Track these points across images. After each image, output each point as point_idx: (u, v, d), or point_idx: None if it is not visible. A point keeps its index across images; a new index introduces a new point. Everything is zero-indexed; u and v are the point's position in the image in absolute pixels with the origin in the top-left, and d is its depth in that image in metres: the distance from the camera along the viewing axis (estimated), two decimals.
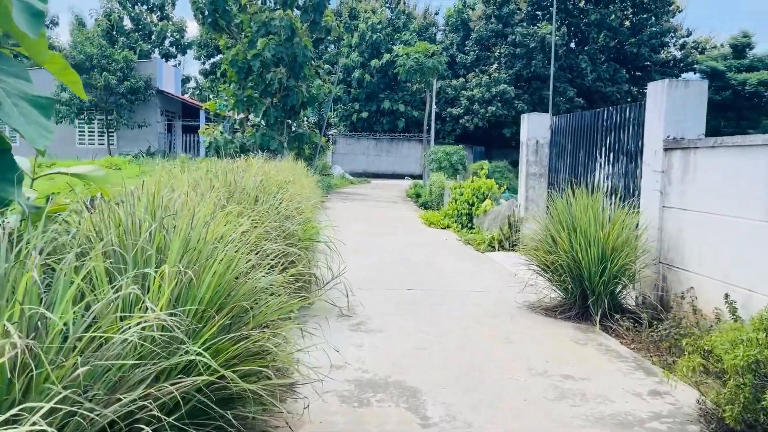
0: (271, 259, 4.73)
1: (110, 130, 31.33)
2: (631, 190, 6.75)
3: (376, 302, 6.25)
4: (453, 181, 16.71)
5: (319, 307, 5.80)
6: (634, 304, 5.94)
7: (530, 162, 10.01)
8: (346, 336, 5.05)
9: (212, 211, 3.50)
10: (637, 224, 5.93)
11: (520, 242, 10.04)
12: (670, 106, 5.72)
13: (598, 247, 5.56)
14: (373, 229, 12.20)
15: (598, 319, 5.48)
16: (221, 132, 21.98)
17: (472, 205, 12.84)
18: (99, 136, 32.32)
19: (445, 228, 13.05)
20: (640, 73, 44.14)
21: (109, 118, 30.66)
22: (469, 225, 12.77)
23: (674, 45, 45.55)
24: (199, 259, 2.90)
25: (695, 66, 43.70)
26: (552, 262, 5.88)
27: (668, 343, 4.67)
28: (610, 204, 6.46)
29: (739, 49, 42.40)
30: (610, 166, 7.70)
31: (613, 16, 40.84)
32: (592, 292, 5.65)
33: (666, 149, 5.75)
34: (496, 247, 10.11)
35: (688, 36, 45.42)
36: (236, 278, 3.03)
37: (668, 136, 5.73)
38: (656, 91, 5.94)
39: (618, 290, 5.71)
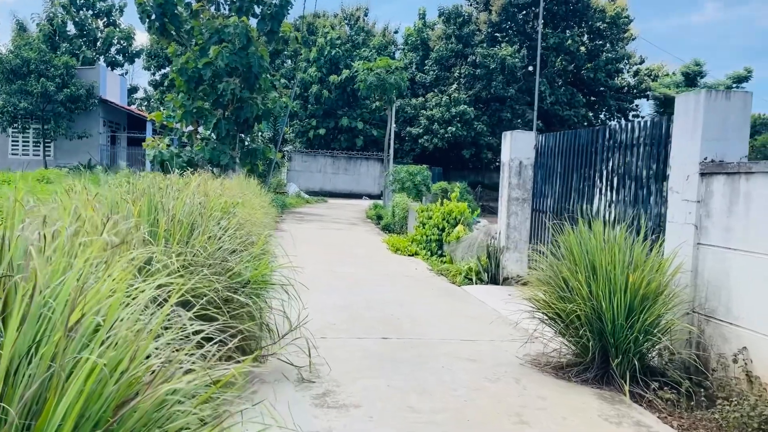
0: (204, 312, 3.48)
1: (47, 140, 29.12)
2: (645, 222, 5.72)
3: (344, 358, 4.98)
4: (419, 203, 15.61)
5: (273, 368, 4.50)
6: (661, 361, 4.85)
7: (512, 185, 8.96)
8: (309, 418, 3.76)
9: (105, 257, 2.20)
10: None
11: (502, 275, 8.99)
12: (709, 122, 4.70)
13: (625, 295, 4.46)
14: (333, 258, 10.92)
15: (627, 387, 4.35)
16: (167, 145, 20.33)
17: (443, 230, 11.72)
18: (34, 146, 30.00)
19: (412, 255, 11.88)
20: (595, 98, 44.48)
21: (45, 127, 28.47)
22: (439, 252, 11.64)
23: (628, 72, 46.18)
24: (60, 359, 1.61)
25: (648, 92, 44.34)
26: (564, 310, 4.74)
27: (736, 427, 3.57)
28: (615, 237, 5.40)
29: (691, 77, 43.15)
30: (613, 192, 6.68)
31: (571, 41, 41.01)
32: (616, 350, 4.53)
33: (703, 174, 4.72)
34: (474, 280, 8.98)
35: (641, 63, 46.12)
36: (133, 387, 1.75)
37: (706, 158, 4.71)
38: (688, 105, 4.92)
39: (647, 347, 4.61)
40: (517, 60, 38.44)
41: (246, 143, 22.19)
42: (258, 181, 19.10)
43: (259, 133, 25.94)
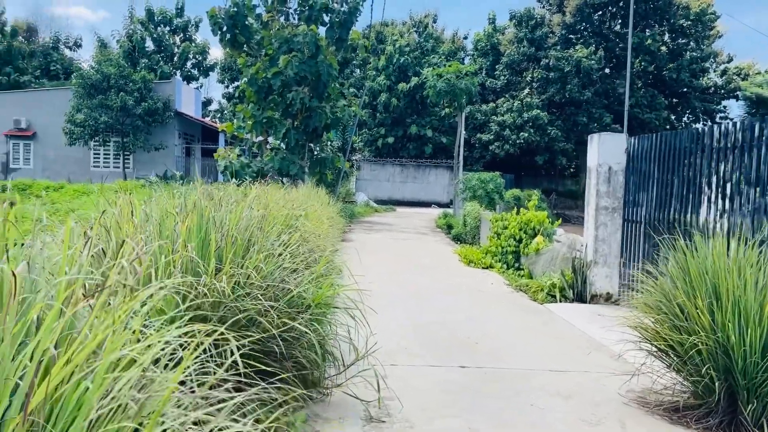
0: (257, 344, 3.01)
1: (126, 152, 30.14)
2: None
3: (417, 391, 4.39)
4: (492, 212, 14.85)
5: (337, 402, 3.97)
6: None
7: (600, 193, 8.13)
8: None
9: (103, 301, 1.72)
10: None
11: (589, 292, 8.16)
12: None
13: (760, 327, 3.66)
14: (403, 270, 10.37)
15: None
16: (238, 155, 20.44)
17: (520, 241, 10.95)
18: (114, 158, 31.15)
19: (487, 267, 11.16)
20: (677, 100, 42.05)
21: (124, 140, 29.48)
22: (516, 265, 10.87)
23: (715, 71, 43.44)
24: None
25: (738, 93, 41.50)
26: (680, 342, 3.97)
27: None
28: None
29: None
30: (725, 200, 5.80)
31: (651, 40, 38.97)
32: (747, 393, 3.73)
33: None
34: (557, 297, 8.19)
35: (729, 62, 43.31)
36: None
37: None
38: None
39: None
40: (593, 62, 36.87)
41: (315, 153, 22.06)
42: (326, 190, 18.89)
43: (328, 143, 25.81)
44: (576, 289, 8.21)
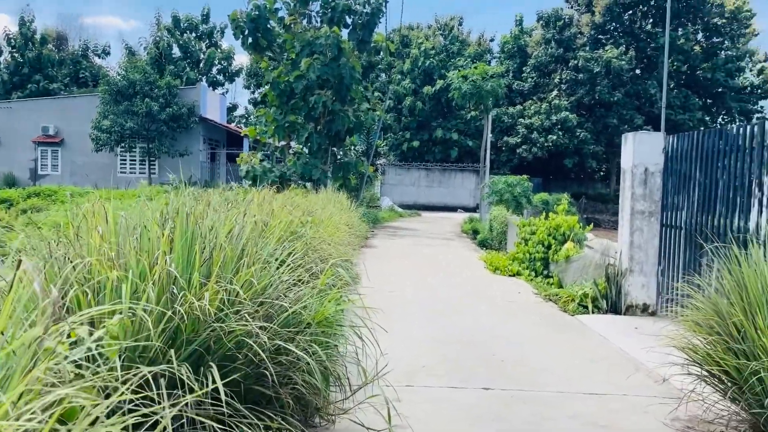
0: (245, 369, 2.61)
1: (151, 158, 30.26)
2: None
3: (434, 417, 3.94)
4: (519, 217, 14.30)
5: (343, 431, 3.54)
6: None
7: (636, 196, 7.56)
8: None
9: None
10: None
11: (624, 303, 7.60)
12: None
13: None
14: (425, 278, 9.90)
15: None
16: (260, 160, 20.21)
17: (549, 247, 10.40)
18: (140, 164, 31.30)
19: (514, 275, 10.63)
20: (712, 100, 40.75)
21: (150, 146, 29.59)
22: (545, 272, 10.32)
23: (751, 70, 42.02)
24: None
25: None
26: (737, 368, 3.45)
27: None
28: None
29: None
30: None
31: (684, 39, 37.85)
32: None
33: None
34: (590, 308, 7.64)
35: (766, 61, 41.84)
36: None
37: None
38: None
39: None
40: (623, 62, 35.92)
41: (338, 157, 21.75)
42: (349, 195, 18.51)
43: (352, 147, 25.49)
44: (610, 300, 7.65)
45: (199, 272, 3.04)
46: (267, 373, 2.92)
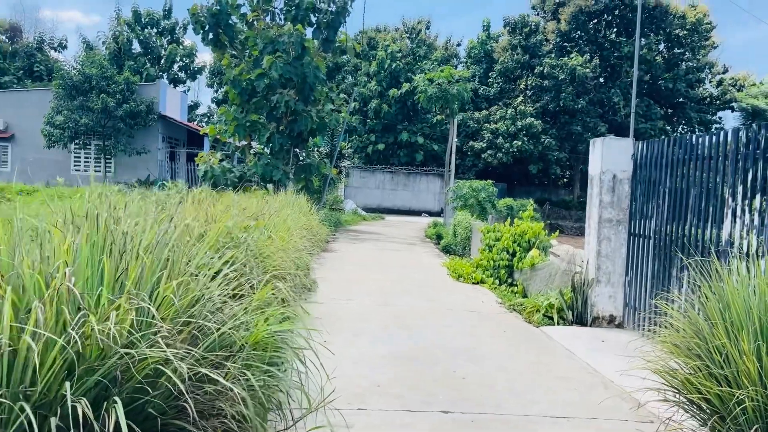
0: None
1: (107, 156, 29.17)
2: None
3: None
4: (483, 223, 14.03)
5: None
6: None
7: (604, 203, 7.31)
8: None
9: None
10: None
11: (591, 314, 7.33)
12: None
13: None
14: (386, 286, 9.50)
15: None
16: (219, 160, 19.54)
17: (513, 255, 10.12)
18: (95, 162, 30.15)
19: (477, 283, 10.32)
20: (673, 110, 41.48)
21: (105, 143, 28.51)
22: (509, 280, 10.03)
23: (710, 82, 42.95)
24: None
25: (733, 104, 40.99)
26: (720, 395, 3.13)
27: None
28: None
29: None
30: (756, 214, 4.99)
31: (646, 49, 38.43)
32: None
33: None
34: (555, 319, 7.35)
35: (724, 72, 42.80)
36: None
37: None
38: None
39: None
40: (588, 70, 36.26)
41: (300, 158, 21.21)
42: (311, 197, 17.99)
43: (315, 148, 24.97)
44: (576, 310, 7.37)
45: (112, 288, 2.58)
46: (186, 404, 2.48)
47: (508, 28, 39.79)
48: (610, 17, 39.18)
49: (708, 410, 3.28)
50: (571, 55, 37.23)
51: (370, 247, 15.43)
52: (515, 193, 37.66)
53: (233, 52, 20.03)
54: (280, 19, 20.17)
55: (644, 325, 6.27)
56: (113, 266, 2.52)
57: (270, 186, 19.15)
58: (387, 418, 3.99)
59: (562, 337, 6.60)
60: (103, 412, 2.26)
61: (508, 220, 11.11)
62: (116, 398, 2.22)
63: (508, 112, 37.44)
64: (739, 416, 3.07)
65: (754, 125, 5.03)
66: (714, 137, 5.71)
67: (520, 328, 7.03)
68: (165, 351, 2.33)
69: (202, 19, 18.92)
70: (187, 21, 39.86)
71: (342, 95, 36.37)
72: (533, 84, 38.08)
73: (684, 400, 3.40)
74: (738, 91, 41.36)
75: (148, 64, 37.75)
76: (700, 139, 5.92)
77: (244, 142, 20.31)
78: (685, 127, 41.95)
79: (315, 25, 19.86)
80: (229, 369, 2.69)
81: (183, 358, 2.45)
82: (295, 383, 3.23)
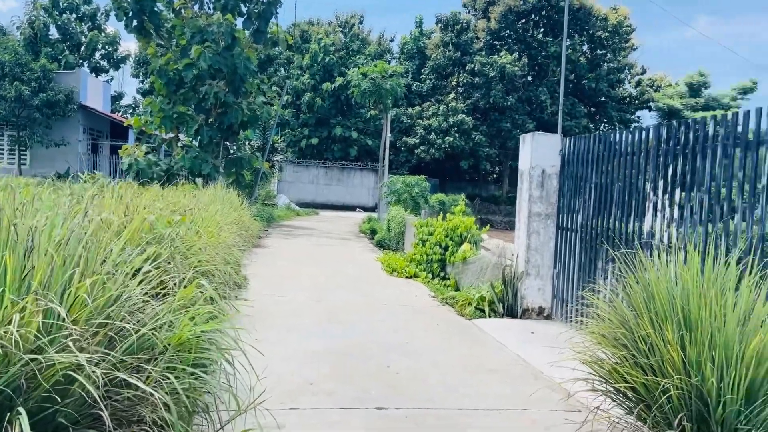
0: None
1: (22, 147, 27.50)
2: (727, 246, 4.24)
3: None
4: (417, 218, 14.11)
5: None
6: None
7: (533, 198, 7.47)
8: None
9: None
10: None
11: (521, 306, 7.48)
12: None
13: (741, 366, 2.96)
14: (320, 282, 9.38)
15: None
16: (145, 153, 18.76)
17: (446, 249, 10.22)
18: (9, 154, 28.36)
19: (411, 277, 10.36)
20: (595, 109, 43.18)
21: (20, 134, 26.87)
22: (442, 274, 10.12)
23: (630, 82, 44.95)
24: None
25: (651, 103, 43.10)
26: (645, 384, 3.22)
27: None
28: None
29: (695, 87, 42.06)
30: (676, 207, 5.20)
31: (571, 50, 39.76)
32: None
33: None
34: (487, 312, 7.45)
35: (643, 74, 44.90)
36: None
37: None
38: None
39: None
40: (517, 68, 37.16)
41: (231, 152, 20.68)
42: (242, 192, 17.57)
43: (246, 142, 24.43)
44: (506, 303, 7.51)
45: (17, 288, 2.37)
46: (101, 412, 2.30)
47: (440, 25, 40.20)
48: (538, 17, 40.30)
49: (634, 399, 3.37)
50: (501, 54, 38.04)
51: (304, 243, 15.24)
52: (447, 188, 38.16)
53: (159, 41, 19.27)
54: (209, 8, 19.56)
55: (572, 317, 6.44)
56: (17, 264, 2.31)
57: (199, 180, 18.54)
58: (320, 416, 3.90)
59: (493, 329, 6.69)
60: (6, 423, 2.07)
61: (441, 214, 11.21)
62: (20, 408, 2.03)
63: (441, 108, 37.88)
64: (664, 405, 3.17)
65: (674, 122, 5.24)
66: (636, 134, 5.92)
67: (452, 322, 7.09)
68: (77, 356, 2.15)
69: (125, 5, 18.12)
70: (109, 7, 38.01)
71: (274, 88, 35.75)
72: (464, 81, 38.68)
73: (611, 389, 3.49)
74: (655, 91, 43.51)
75: (67, 51, 35.82)
76: (623, 136, 6.13)
77: (171, 135, 19.61)
78: (606, 125, 43.73)
79: (246, 16, 19.37)
80: (150, 373, 2.52)
81: (98, 362, 2.28)
82: (224, 385, 3.10)
